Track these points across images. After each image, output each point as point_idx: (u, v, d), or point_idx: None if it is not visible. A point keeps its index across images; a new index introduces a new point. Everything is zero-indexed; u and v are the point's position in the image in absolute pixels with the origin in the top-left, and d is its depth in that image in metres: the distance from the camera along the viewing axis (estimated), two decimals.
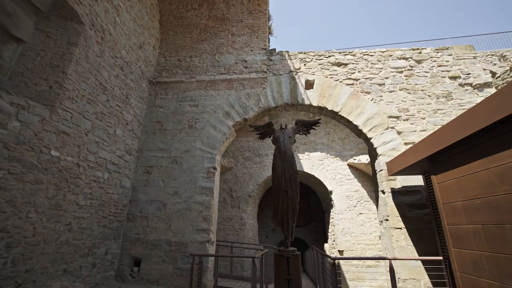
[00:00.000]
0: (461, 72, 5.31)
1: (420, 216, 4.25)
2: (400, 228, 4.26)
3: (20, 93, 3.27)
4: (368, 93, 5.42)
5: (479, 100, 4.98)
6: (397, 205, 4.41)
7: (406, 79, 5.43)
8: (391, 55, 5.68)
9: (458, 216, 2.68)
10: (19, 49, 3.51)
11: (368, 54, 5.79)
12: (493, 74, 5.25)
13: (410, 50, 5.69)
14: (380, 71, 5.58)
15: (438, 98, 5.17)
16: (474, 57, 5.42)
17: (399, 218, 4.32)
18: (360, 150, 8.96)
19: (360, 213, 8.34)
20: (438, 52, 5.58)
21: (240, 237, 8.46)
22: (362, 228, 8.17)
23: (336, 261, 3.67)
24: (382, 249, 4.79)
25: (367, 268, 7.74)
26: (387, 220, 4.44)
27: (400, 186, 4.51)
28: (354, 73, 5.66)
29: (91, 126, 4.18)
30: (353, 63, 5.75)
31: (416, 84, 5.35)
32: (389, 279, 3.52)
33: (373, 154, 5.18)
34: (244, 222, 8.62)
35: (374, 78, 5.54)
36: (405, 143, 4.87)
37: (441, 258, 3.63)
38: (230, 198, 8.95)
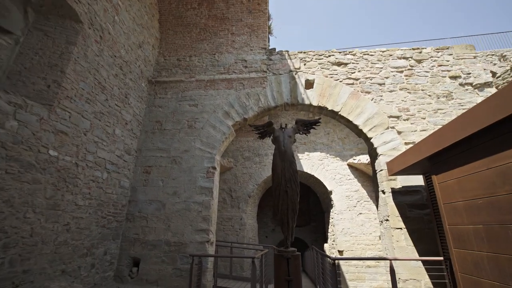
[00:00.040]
0: (461, 71, 5.29)
1: (421, 216, 4.24)
2: (401, 228, 4.24)
3: (17, 92, 3.25)
4: (368, 92, 5.40)
5: (479, 100, 4.97)
6: (397, 205, 4.39)
7: (407, 79, 5.41)
8: (391, 55, 5.67)
9: (459, 216, 2.66)
10: (17, 47, 3.48)
11: (368, 54, 5.77)
12: (494, 74, 5.24)
13: (410, 49, 5.67)
14: (380, 71, 5.56)
15: (438, 98, 5.15)
16: (475, 57, 5.41)
17: (400, 218, 4.30)
18: (360, 150, 8.95)
19: (360, 213, 8.33)
20: (438, 52, 5.56)
21: (239, 237, 8.44)
22: (362, 228, 8.15)
23: (336, 261, 3.65)
24: (382, 249, 4.77)
25: (367, 268, 7.73)
26: (387, 220, 4.43)
27: (401, 186, 4.50)
28: (354, 72, 5.64)
29: (89, 126, 4.15)
30: (353, 63, 5.73)
31: (417, 84, 5.33)
32: (389, 279, 3.51)
33: (373, 154, 5.17)
34: (244, 222, 8.59)
35: (374, 77, 5.52)
36: (406, 143, 4.85)
37: (441, 258, 3.61)
38: (229, 198, 8.93)
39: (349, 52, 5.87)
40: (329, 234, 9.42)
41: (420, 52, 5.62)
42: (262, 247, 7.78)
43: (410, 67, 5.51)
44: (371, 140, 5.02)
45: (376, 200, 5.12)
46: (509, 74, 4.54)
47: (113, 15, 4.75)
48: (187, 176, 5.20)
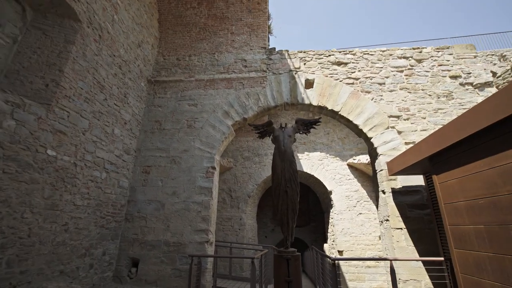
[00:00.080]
0: (461, 71, 5.28)
1: (421, 216, 4.22)
2: (401, 229, 4.22)
3: (15, 91, 3.22)
4: (369, 92, 5.38)
5: (480, 99, 4.95)
6: (397, 205, 4.37)
7: (407, 79, 5.40)
8: (391, 54, 5.65)
9: (460, 216, 2.64)
10: (15, 46, 3.46)
11: (368, 53, 5.75)
12: (494, 74, 5.23)
13: (410, 49, 5.66)
14: (381, 70, 5.55)
15: (438, 98, 5.14)
16: (475, 57, 5.40)
17: (400, 218, 4.28)
18: (359, 150, 8.93)
19: (360, 213, 8.31)
20: (438, 51, 5.55)
21: (239, 237, 8.42)
22: (361, 228, 8.14)
23: (336, 261, 3.63)
24: (382, 249, 4.75)
25: (367, 269, 7.71)
26: (387, 220, 4.41)
27: (401, 186, 4.48)
28: (354, 72, 5.63)
29: (88, 125, 4.13)
30: (353, 62, 5.71)
31: (417, 84, 5.32)
32: (389, 279, 3.49)
33: (373, 154, 5.15)
34: (244, 222, 8.57)
35: (374, 77, 5.50)
36: (406, 143, 4.83)
37: (442, 258, 3.59)
38: (229, 198, 8.90)
39: (349, 51, 5.85)
40: (328, 234, 9.41)
41: (420, 52, 5.60)
42: (261, 247, 7.76)
43: (410, 67, 5.49)
44: (371, 140, 5.01)
45: (376, 200, 5.10)
46: (509, 74, 4.53)
47: (112, 14, 4.73)
48: (187, 176, 5.17)
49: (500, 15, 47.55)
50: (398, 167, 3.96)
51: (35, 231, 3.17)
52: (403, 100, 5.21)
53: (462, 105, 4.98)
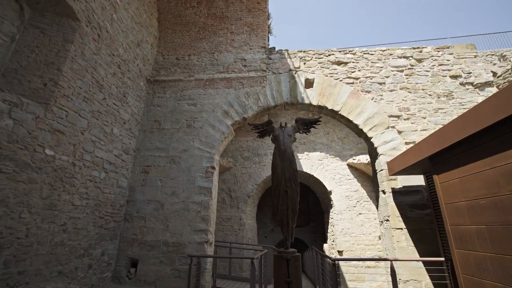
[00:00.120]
0: (462, 71, 5.27)
1: (421, 217, 4.20)
2: (401, 229, 4.21)
3: (13, 90, 3.19)
4: (369, 92, 5.37)
5: (480, 99, 4.94)
6: (398, 205, 4.36)
7: (407, 78, 5.38)
8: (391, 54, 5.64)
9: (461, 216, 2.63)
10: (12, 45, 3.43)
11: (368, 53, 5.74)
12: (494, 74, 5.22)
13: (410, 49, 5.64)
14: (381, 70, 5.53)
15: (439, 97, 5.12)
16: (475, 56, 5.39)
17: (400, 219, 4.27)
18: (359, 150, 8.92)
19: (360, 213, 8.30)
20: (439, 51, 5.53)
21: (239, 238, 8.40)
22: (361, 229, 8.12)
23: (336, 262, 3.61)
24: (383, 249, 4.73)
25: (367, 269, 7.69)
26: (387, 220, 4.39)
27: (401, 186, 4.46)
28: (354, 72, 5.61)
29: (87, 125, 4.10)
30: (353, 62, 5.70)
31: (417, 83, 5.30)
32: (389, 279, 3.47)
33: (373, 154, 5.13)
34: (243, 223, 8.55)
35: (374, 77, 5.49)
36: (406, 143, 4.82)
37: (443, 259, 3.58)
38: (229, 198, 8.88)
39: (349, 51, 5.84)
40: (328, 234, 9.39)
41: (421, 51, 5.59)
42: (261, 247, 7.74)
43: (410, 66, 5.48)
44: (371, 140, 4.99)
45: (376, 200, 5.08)
46: (510, 74, 4.52)
47: (111, 13, 4.70)
48: (186, 176, 5.15)
49: (500, 15, 47.62)
50: (399, 167, 3.95)
51: (33, 231, 3.15)
52: (403, 100, 5.19)
53: (463, 105, 4.97)
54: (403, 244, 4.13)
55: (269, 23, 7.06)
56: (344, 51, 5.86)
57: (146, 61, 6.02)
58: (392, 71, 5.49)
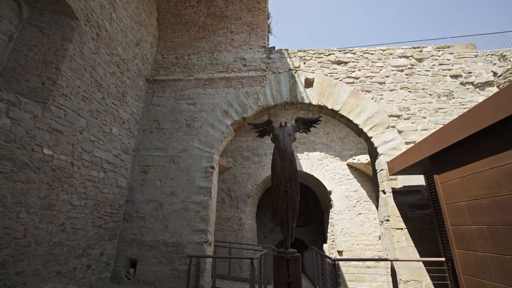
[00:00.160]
0: (462, 70, 5.26)
1: (422, 217, 4.19)
2: (401, 229, 4.19)
3: (11, 89, 3.17)
4: (369, 91, 5.35)
5: (480, 99, 4.93)
6: (398, 205, 4.34)
7: (407, 78, 5.37)
8: (391, 54, 5.62)
9: (462, 216, 2.61)
10: (10, 44, 3.41)
11: (368, 53, 5.72)
12: (494, 73, 5.21)
13: (411, 48, 5.63)
14: (381, 70, 5.52)
15: (439, 97, 5.11)
16: (476, 56, 5.37)
17: (400, 219, 4.25)
18: (359, 150, 8.90)
19: (360, 213, 8.28)
20: (439, 51, 5.52)
21: (238, 238, 8.38)
22: (361, 229, 8.11)
23: (336, 262, 3.60)
24: (383, 249, 4.72)
25: (367, 269, 7.68)
26: (388, 220, 4.38)
27: (401, 186, 4.45)
28: (354, 71, 5.59)
29: (86, 124, 4.08)
30: (353, 62, 5.68)
31: (417, 83, 5.29)
32: (388, 280, 3.46)
33: (373, 154, 5.12)
34: (243, 223, 8.53)
35: (374, 76, 5.47)
36: (406, 142, 4.80)
37: (443, 259, 3.56)
38: (228, 198, 8.86)
39: (349, 50, 5.82)
40: (328, 234, 9.37)
41: (421, 51, 5.58)
42: (261, 247, 7.73)
43: (410, 66, 5.46)
44: (372, 140, 4.97)
45: (376, 200, 5.07)
46: (510, 73, 4.51)
47: (110, 12, 4.68)
48: (185, 175, 5.13)
49: (500, 15, 47.66)
50: (399, 167, 3.93)
51: (31, 232, 3.12)
52: (403, 100, 5.18)
53: (463, 105, 4.96)
54: (403, 244, 4.11)
55: (269, 22, 7.04)
56: (344, 50, 5.84)
57: (146, 61, 6.00)
58: (392, 70, 5.48)
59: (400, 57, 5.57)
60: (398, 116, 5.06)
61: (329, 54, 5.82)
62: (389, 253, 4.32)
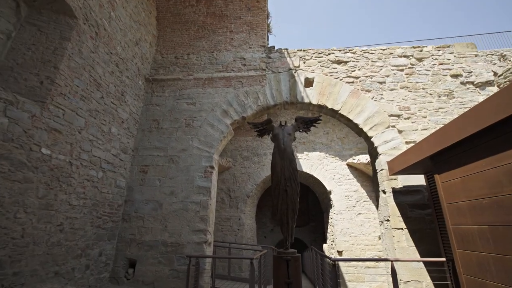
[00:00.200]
0: (462, 70, 5.24)
1: (422, 217, 4.17)
2: (402, 229, 4.17)
3: (8, 88, 3.15)
4: (369, 91, 5.34)
5: (481, 98, 4.91)
6: (398, 205, 4.32)
7: (407, 77, 5.35)
8: (391, 53, 5.61)
9: (463, 216, 2.60)
10: (8, 43, 3.38)
11: (368, 52, 5.71)
12: (495, 73, 5.20)
13: (411, 48, 5.61)
14: (381, 69, 5.50)
15: (439, 97, 5.10)
16: (476, 55, 5.36)
17: (400, 219, 4.23)
18: (359, 150, 8.89)
19: (359, 213, 8.27)
20: (439, 50, 5.51)
21: (238, 238, 8.36)
22: (361, 229, 8.09)
23: (336, 262, 3.58)
24: (383, 249, 4.70)
25: (366, 269, 7.66)
26: (388, 220, 4.36)
27: (401, 186, 4.43)
28: (354, 71, 5.58)
29: (84, 124, 4.05)
30: (353, 61, 5.66)
31: (417, 82, 5.27)
32: (388, 280, 3.44)
33: (373, 153, 5.10)
34: (243, 223, 8.51)
35: (374, 76, 5.46)
36: (406, 142, 4.79)
37: (444, 259, 3.54)
38: (228, 198, 8.84)
39: (349, 50, 5.81)
40: (328, 234, 9.36)
41: (421, 51, 5.56)
42: (260, 247, 7.71)
43: (411, 66, 5.45)
44: (372, 139, 4.96)
45: (376, 200, 5.05)
46: (511, 73, 4.50)
47: (109, 11, 4.66)
48: (185, 175, 5.11)
49: (500, 15, 47.70)
50: (399, 167, 3.91)
51: (29, 232, 3.10)
52: (403, 99, 5.16)
53: (463, 104, 4.94)
54: (403, 244, 4.09)
55: (268, 22, 7.02)
56: (344, 50, 5.83)
57: (145, 60, 5.97)
58: (393, 70, 5.46)
59: (400, 56, 5.55)
60: (398, 116, 5.04)
61: (329, 54, 5.81)
62: (389, 253, 4.30)
